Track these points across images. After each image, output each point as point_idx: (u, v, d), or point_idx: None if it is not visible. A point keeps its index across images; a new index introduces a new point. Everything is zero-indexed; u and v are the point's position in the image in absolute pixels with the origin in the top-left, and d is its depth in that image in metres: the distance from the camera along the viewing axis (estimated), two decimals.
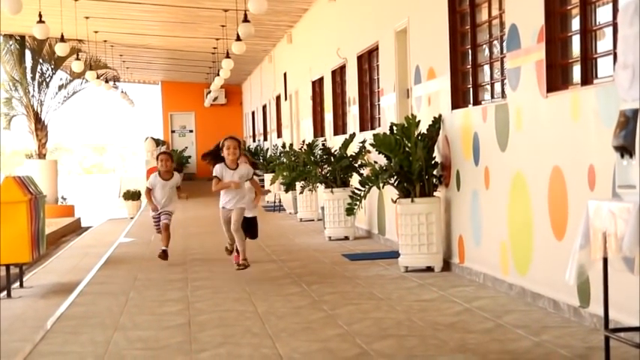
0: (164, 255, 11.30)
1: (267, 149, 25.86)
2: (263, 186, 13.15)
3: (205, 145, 37.22)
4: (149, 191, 11.55)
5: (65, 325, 7.65)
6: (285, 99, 24.04)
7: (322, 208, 14.76)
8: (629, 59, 4.52)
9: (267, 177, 21.10)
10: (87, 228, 21.83)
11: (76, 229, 22.14)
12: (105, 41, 24.94)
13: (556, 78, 7.24)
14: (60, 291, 10.45)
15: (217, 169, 9.79)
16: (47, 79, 25.98)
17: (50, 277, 11.99)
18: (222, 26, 20.45)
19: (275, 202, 20.90)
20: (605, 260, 5.18)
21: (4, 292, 10.42)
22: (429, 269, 9.86)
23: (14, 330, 8.17)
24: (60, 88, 26.56)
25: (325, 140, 16.90)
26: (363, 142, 13.18)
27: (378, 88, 13.41)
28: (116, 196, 26.33)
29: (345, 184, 13.91)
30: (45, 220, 11.49)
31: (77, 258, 14.33)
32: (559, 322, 6.83)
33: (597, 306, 6.26)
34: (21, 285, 11.02)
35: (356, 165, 13.51)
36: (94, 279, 10.75)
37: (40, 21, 17.13)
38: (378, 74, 13.52)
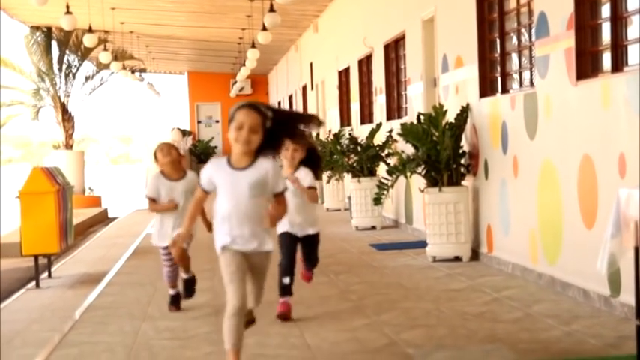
0: (189, 284, 7.70)
1: None
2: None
3: None
4: (153, 202, 7.51)
5: (94, 315, 7.69)
6: (312, 89, 24.01)
7: (349, 198, 14.75)
8: None
9: None
10: (114, 218, 21.90)
11: (103, 219, 22.22)
12: (131, 32, 24.99)
13: (586, 65, 7.18)
14: (88, 281, 10.49)
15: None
16: (74, 71, 26.07)
17: (78, 268, 12.04)
18: (248, 16, 20.44)
19: None
20: (637, 249, 5.13)
21: (33, 282, 10.48)
22: (457, 259, 9.82)
23: (43, 320, 8.21)
24: (86, 79, 26.65)
25: (352, 130, 16.88)
26: (390, 131, 13.14)
27: (405, 77, 13.35)
28: (143, 186, 26.40)
29: (372, 173, 13.88)
30: (73, 210, 11.53)
31: (105, 248, 14.38)
32: (589, 311, 6.78)
33: (628, 295, 6.21)
34: (49, 275, 11.07)
35: (383, 154, 13.48)
36: (122, 269, 10.80)
37: (68, 12, 17.20)
38: (405, 63, 13.47)
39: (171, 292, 7.71)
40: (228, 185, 4.94)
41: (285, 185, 5.13)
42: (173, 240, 4.98)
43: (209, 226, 6.94)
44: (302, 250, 7.09)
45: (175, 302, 7.68)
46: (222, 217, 4.98)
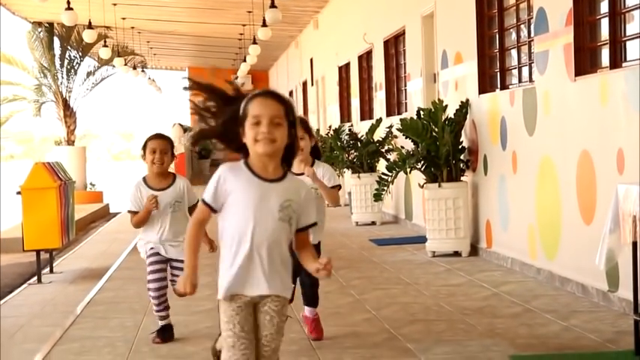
0: (162, 335, 6.33)
1: None
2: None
3: None
4: (134, 215, 6.28)
5: (95, 310, 7.72)
6: (312, 84, 24.03)
7: (349, 194, 14.78)
8: None
9: None
10: (115, 214, 21.93)
11: (104, 215, 22.25)
12: (132, 28, 25.02)
13: (584, 61, 7.20)
14: (89, 276, 10.52)
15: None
16: (75, 66, 26.09)
17: (80, 263, 12.07)
18: (249, 12, 20.46)
19: None
20: (635, 244, 5.17)
21: (35, 277, 10.51)
22: (457, 254, 9.86)
23: (45, 315, 8.24)
24: (88, 74, 26.67)
25: (352, 125, 16.90)
26: (390, 127, 13.16)
27: (405, 73, 13.38)
28: None
29: (372, 169, 13.91)
30: (74, 206, 11.56)
31: (106, 243, 14.41)
32: (588, 306, 6.81)
33: (626, 290, 6.24)
34: (51, 270, 11.10)
35: (383, 150, 13.51)
36: (123, 264, 10.83)
37: (69, 8, 17.22)
38: (404, 59, 13.49)
39: (161, 322, 6.37)
40: (252, 200, 3.57)
41: (315, 218, 3.75)
42: (180, 283, 3.65)
43: (210, 244, 5.93)
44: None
45: (165, 333, 6.35)
46: (236, 245, 3.60)
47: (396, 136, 12.71)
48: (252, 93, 3.68)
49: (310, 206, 3.67)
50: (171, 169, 6.50)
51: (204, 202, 3.63)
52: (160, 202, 6.14)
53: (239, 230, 3.58)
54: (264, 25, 18.72)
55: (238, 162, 3.63)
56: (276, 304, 3.64)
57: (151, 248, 6.32)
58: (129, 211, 6.29)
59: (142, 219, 6.20)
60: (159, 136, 6.29)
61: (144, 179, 6.25)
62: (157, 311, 6.36)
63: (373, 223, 13.91)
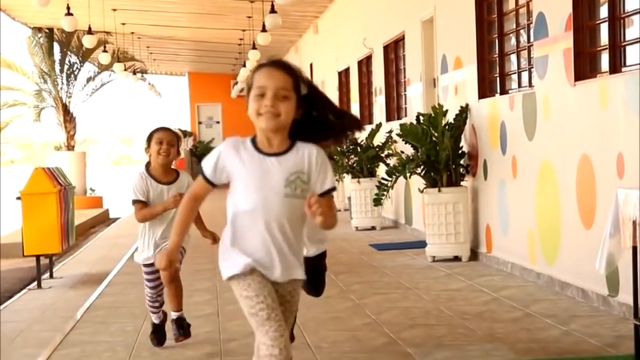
0: (181, 329, 6.19)
1: None
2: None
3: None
4: (142, 207, 5.89)
5: (95, 315, 7.72)
6: None
7: (349, 199, 14.78)
8: None
9: None
10: (115, 219, 21.93)
11: (104, 220, 22.23)
12: (132, 33, 25.02)
13: (584, 66, 7.21)
14: (89, 281, 10.52)
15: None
16: (75, 72, 26.10)
17: (80, 268, 12.06)
18: (249, 17, 20.48)
19: None
20: (635, 249, 5.17)
21: (35, 283, 10.51)
22: (457, 259, 9.86)
23: (45, 320, 8.24)
24: (88, 80, 26.68)
25: None
26: (390, 132, 13.17)
27: (405, 77, 13.39)
28: None
29: (372, 174, 13.92)
30: (74, 211, 11.56)
31: (106, 248, 14.41)
32: (588, 311, 6.81)
33: (626, 294, 6.24)
34: (51, 275, 11.10)
35: (382, 155, 13.51)
36: (123, 269, 10.82)
37: (69, 13, 17.24)
38: (404, 64, 13.50)
39: (156, 320, 6.26)
40: (254, 175, 3.36)
41: (334, 183, 3.56)
42: (158, 257, 3.40)
43: (213, 237, 5.76)
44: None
45: (159, 333, 6.28)
46: (240, 223, 3.41)
47: (395, 141, 12.71)
48: (260, 62, 3.48)
49: (326, 170, 3.45)
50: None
51: (203, 175, 3.43)
52: (165, 195, 5.92)
53: (245, 211, 3.38)
54: (264, 30, 18.74)
55: (244, 137, 3.43)
56: (290, 291, 3.53)
57: (148, 265, 6.15)
58: (134, 201, 5.90)
59: (152, 214, 5.88)
60: (166, 129, 6.05)
61: (147, 170, 5.97)
62: (151, 307, 6.29)
63: (373, 227, 13.91)
